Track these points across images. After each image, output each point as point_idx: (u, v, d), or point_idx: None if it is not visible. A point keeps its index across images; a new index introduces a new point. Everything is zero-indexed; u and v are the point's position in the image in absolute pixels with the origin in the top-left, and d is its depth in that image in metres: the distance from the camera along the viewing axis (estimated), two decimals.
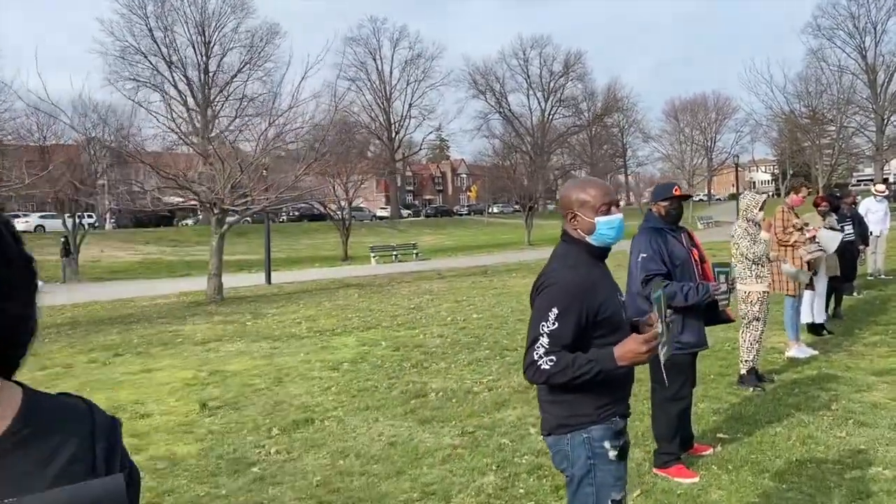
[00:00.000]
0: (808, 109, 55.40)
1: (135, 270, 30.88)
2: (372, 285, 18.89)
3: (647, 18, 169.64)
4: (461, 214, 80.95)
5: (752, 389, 6.08)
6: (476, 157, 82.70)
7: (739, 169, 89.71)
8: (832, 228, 8.13)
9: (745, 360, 6.26)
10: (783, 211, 7.32)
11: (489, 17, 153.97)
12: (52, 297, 19.64)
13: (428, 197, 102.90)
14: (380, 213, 73.56)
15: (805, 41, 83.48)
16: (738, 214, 6.59)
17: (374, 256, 29.75)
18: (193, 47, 55.13)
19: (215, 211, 16.24)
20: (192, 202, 16.16)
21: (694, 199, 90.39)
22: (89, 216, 52.29)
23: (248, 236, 52.44)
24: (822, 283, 8.51)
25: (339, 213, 33.48)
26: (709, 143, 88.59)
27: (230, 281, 23.75)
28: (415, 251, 31.23)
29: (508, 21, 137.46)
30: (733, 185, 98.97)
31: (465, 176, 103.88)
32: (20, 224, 45.56)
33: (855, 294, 11.55)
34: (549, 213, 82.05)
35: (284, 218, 67.02)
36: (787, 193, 7.49)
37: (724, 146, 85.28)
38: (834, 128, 53.60)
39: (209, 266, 16.70)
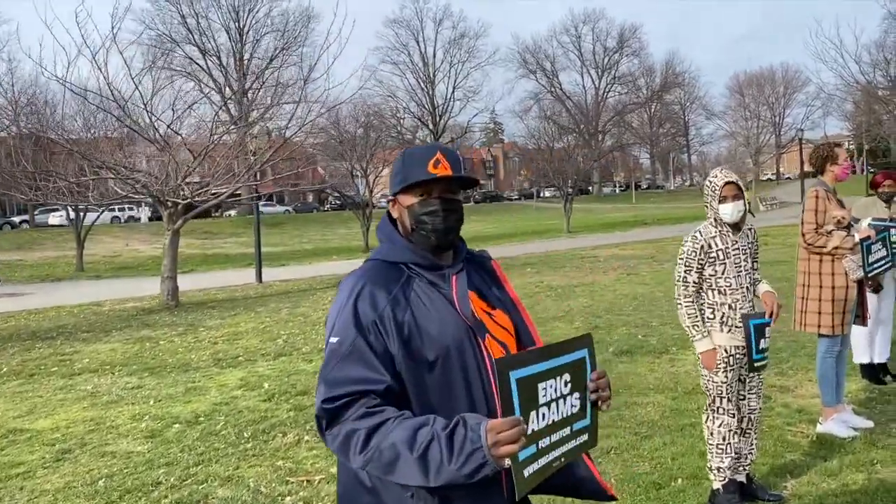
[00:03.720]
0: (886, 79, 50.15)
1: (144, 266, 29.40)
2: None
3: None
4: (511, 199, 77.98)
5: None
6: (525, 140, 79.60)
7: (809, 145, 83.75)
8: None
9: (717, 470, 3.58)
10: (816, 196, 4.52)
11: None
12: (26, 300, 18.09)
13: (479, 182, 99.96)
14: None
15: (882, 4, 76.73)
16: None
17: None
18: (227, 34, 53.84)
19: (168, 204, 14.15)
20: (139, 195, 14.02)
21: (762, 178, 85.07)
22: (130, 209, 51.99)
23: (282, 227, 51.11)
24: (887, 306, 5.67)
25: (359, 200, 31.26)
26: (777, 119, 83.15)
27: (227, 277, 21.84)
28: None
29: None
30: (804, 163, 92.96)
31: (517, 159, 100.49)
32: (55, 218, 44.95)
33: None
34: (604, 196, 78.36)
35: (328, 207, 65.59)
36: (821, 165, 4.64)
37: (793, 122, 79.69)
38: None
39: (161, 268, 14.60)
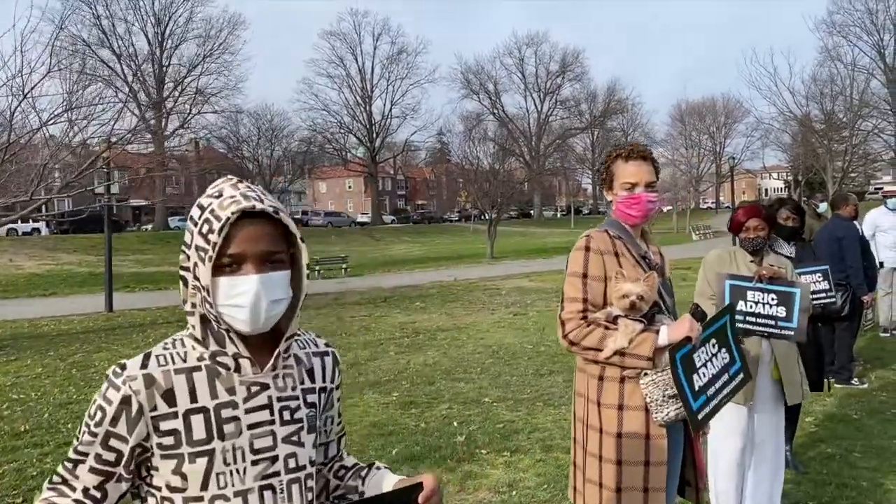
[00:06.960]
0: (822, 113, 49.99)
1: (13, 285, 26.13)
2: None
3: (661, 24, 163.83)
4: (451, 221, 75.98)
5: None
6: (467, 161, 78.10)
7: (751, 175, 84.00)
8: (773, 286, 3.11)
9: None
10: (586, 248, 2.34)
11: (492, 18, 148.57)
12: None
13: (421, 202, 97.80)
14: (360, 218, 68.68)
15: (819, 38, 77.95)
16: None
17: None
18: (147, 38, 50.71)
19: None
20: None
21: (701, 206, 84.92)
22: (34, 220, 48.07)
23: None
24: (769, 422, 3.52)
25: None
26: (718, 148, 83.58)
27: (81, 303, 18.86)
28: (343, 265, 26.36)
29: (518, 22, 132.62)
30: (743, 193, 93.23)
31: (461, 181, 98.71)
32: None
33: (855, 383, 6.56)
34: (544, 220, 76.82)
35: None
36: (603, 184, 2.47)
37: (733, 151, 79.96)
38: (848, 132, 48.21)
39: None
